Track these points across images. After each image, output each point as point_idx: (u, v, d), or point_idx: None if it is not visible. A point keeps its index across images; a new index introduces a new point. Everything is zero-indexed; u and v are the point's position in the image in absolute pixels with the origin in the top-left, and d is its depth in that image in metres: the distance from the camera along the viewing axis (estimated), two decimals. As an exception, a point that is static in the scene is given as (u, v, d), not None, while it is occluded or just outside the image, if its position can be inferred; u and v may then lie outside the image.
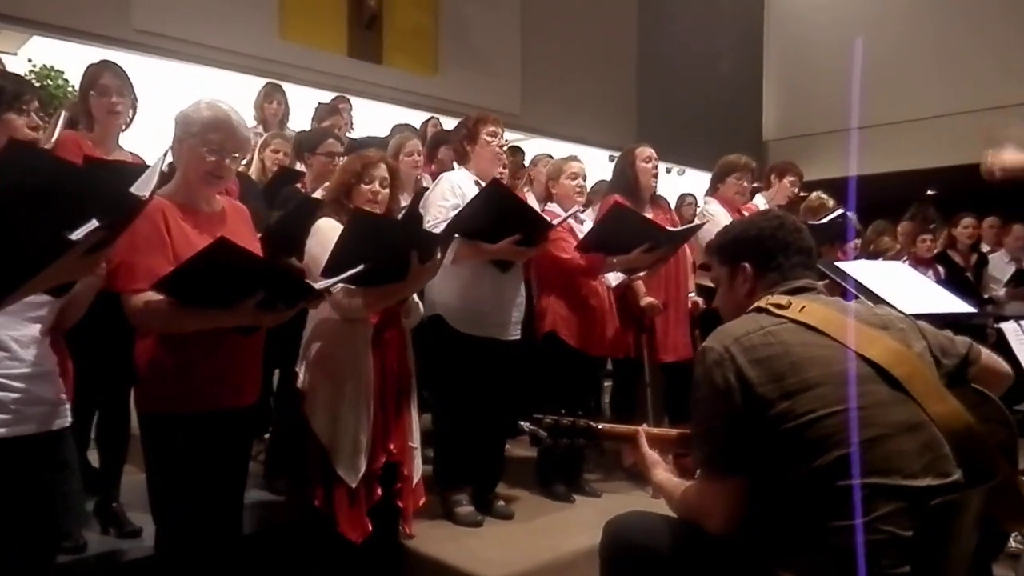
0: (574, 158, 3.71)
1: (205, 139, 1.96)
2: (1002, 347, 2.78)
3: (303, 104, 4.98)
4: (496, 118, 3.18)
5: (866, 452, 1.34)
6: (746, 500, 1.45)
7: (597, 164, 5.97)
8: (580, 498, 3.34)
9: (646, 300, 3.56)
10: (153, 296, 1.84)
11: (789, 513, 1.39)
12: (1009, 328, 2.89)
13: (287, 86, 5.42)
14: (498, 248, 2.88)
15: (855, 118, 7.90)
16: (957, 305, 2.48)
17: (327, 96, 5.33)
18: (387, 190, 2.49)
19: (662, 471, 1.68)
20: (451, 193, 2.96)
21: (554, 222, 3.12)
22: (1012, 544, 2.89)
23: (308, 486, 2.36)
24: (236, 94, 4.76)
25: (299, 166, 3.55)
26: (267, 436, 3.30)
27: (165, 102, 2.65)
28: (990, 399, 1.50)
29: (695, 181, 7.69)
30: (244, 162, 3.75)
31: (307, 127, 4.55)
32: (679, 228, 3.59)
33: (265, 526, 2.80)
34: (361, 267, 2.04)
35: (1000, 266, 5.65)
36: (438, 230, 2.76)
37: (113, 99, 2.72)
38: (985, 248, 5.94)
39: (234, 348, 1.99)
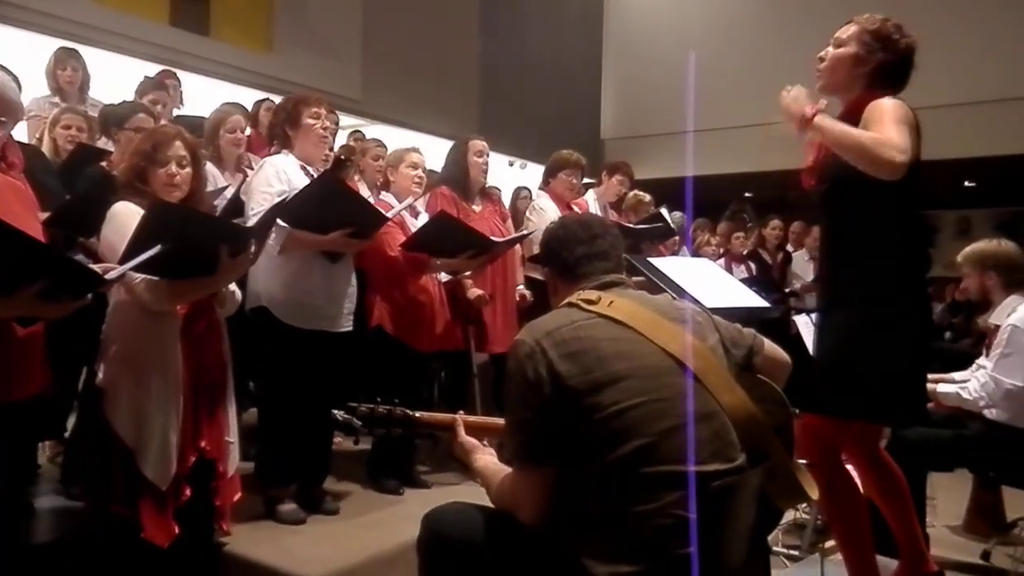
0: (415, 149, 3.65)
1: None
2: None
3: (128, 76, 4.54)
4: (319, 99, 3.02)
5: (663, 441, 1.42)
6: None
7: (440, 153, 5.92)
8: (410, 491, 3.31)
9: (473, 292, 3.60)
10: None
11: (594, 502, 1.45)
12: (801, 321, 3.21)
13: (101, 53, 5.00)
14: (330, 239, 2.80)
15: (691, 122, 8.42)
16: (755, 300, 2.70)
17: (146, 67, 4.94)
18: (188, 169, 2.30)
19: (482, 457, 1.70)
20: (276, 179, 2.81)
21: (389, 214, 3.07)
22: (799, 514, 3.22)
23: (107, 491, 2.17)
24: (40, 60, 4.32)
25: (107, 143, 3.25)
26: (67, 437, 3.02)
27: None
28: (766, 380, 1.64)
29: (536, 175, 7.86)
30: (37, 136, 3.42)
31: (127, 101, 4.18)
32: (503, 239, 3.60)
33: (61, 535, 2.57)
34: (156, 249, 1.88)
35: (801, 264, 6.34)
36: (261, 217, 2.63)
37: None
38: (790, 248, 6.60)
39: (2, 335, 1.80)
